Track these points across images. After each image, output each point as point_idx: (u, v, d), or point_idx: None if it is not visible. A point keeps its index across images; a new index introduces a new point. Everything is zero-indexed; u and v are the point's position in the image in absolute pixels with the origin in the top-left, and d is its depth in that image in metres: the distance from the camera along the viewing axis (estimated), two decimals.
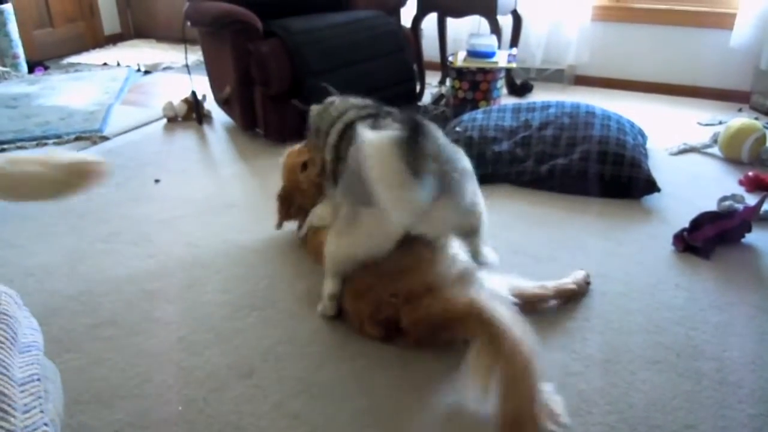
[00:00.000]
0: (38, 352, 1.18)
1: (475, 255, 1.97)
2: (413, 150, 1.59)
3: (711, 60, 4.21)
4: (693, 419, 1.58)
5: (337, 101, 2.25)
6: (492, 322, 1.56)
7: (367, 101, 2.21)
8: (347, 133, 2.06)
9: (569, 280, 2.06)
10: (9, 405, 0.98)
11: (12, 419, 0.97)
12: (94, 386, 1.73)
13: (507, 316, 1.58)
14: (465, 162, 1.88)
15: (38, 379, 1.10)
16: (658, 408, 1.61)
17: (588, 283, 2.11)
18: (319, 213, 2.29)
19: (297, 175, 2.37)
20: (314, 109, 2.31)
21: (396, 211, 1.65)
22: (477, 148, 2.96)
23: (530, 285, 1.98)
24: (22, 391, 1.04)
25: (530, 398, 1.45)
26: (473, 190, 1.88)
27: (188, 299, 2.11)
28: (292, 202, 2.41)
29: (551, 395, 1.57)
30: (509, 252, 2.33)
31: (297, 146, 2.46)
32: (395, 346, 1.84)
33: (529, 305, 1.90)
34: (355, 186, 1.76)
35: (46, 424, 1.03)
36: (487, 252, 2.03)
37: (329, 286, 1.96)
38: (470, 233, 1.94)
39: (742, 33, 3.91)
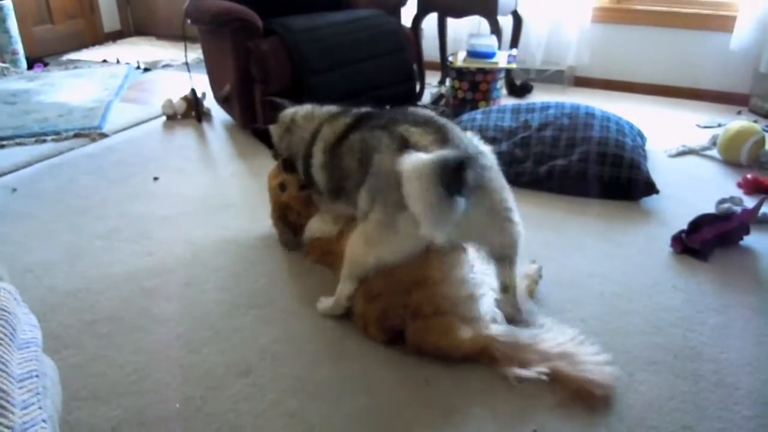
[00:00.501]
0: (37, 348, 1.18)
1: (506, 290, 1.90)
2: (453, 174, 1.57)
3: (710, 62, 4.21)
4: (690, 420, 1.58)
5: (299, 110, 2.31)
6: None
7: (332, 108, 2.24)
8: (320, 132, 2.11)
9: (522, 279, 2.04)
10: (7, 401, 0.98)
11: (10, 415, 0.97)
12: (92, 383, 1.73)
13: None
14: (493, 161, 1.87)
15: (37, 376, 1.10)
16: (656, 409, 1.62)
17: (540, 276, 2.12)
18: (316, 227, 2.28)
19: (280, 196, 2.36)
20: (279, 124, 2.35)
21: (432, 229, 1.61)
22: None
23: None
24: (21, 388, 1.04)
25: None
26: (504, 188, 1.85)
27: (187, 297, 2.11)
28: (287, 220, 2.39)
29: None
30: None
31: (273, 167, 2.45)
32: (393, 346, 1.85)
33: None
34: (390, 191, 1.72)
35: (44, 421, 1.03)
36: (526, 306, 1.95)
37: (348, 288, 1.92)
38: (504, 250, 1.86)
39: (742, 36, 3.92)
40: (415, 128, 1.82)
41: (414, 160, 1.59)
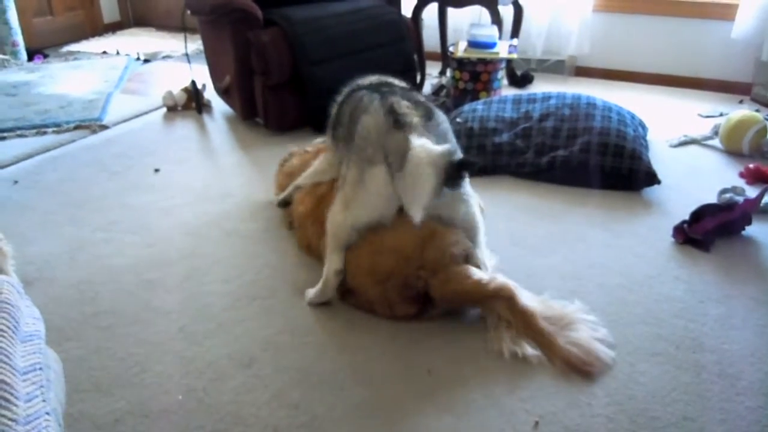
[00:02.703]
0: (40, 341, 1.18)
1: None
2: (455, 171, 1.77)
3: (712, 51, 4.20)
4: (692, 411, 1.58)
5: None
6: (522, 309, 1.79)
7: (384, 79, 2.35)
8: (351, 97, 2.17)
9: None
10: (11, 394, 0.99)
11: (14, 408, 0.97)
12: (94, 375, 1.73)
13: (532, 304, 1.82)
14: None
15: (40, 368, 1.10)
16: (657, 400, 1.62)
17: None
18: (308, 172, 2.36)
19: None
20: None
21: (418, 211, 1.74)
22: (477, 139, 2.96)
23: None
24: (24, 380, 1.04)
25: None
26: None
27: (188, 289, 2.12)
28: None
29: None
30: (509, 244, 2.33)
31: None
32: (395, 336, 1.85)
33: None
34: (366, 148, 1.88)
35: (47, 413, 1.04)
36: (487, 257, 2.06)
37: (335, 261, 1.95)
38: (466, 232, 1.98)
39: (743, 24, 3.90)
40: (406, 102, 1.95)
41: (427, 148, 1.75)
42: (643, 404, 1.61)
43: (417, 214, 1.74)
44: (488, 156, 2.91)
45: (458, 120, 3.10)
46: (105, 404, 1.63)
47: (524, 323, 1.78)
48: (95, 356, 1.81)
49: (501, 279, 1.86)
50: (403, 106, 1.92)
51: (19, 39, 5.06)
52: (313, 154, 2.51)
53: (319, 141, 2.65)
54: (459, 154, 1.85)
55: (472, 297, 1.85)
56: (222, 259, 2.29)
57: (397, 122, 1.85)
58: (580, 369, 1.70)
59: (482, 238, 2.03)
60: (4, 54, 4.92)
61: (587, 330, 1.81)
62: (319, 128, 3.01)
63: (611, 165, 2.76)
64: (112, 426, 1.57)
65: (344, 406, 1.62)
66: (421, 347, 1.82)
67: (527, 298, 1.84)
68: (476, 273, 1.85)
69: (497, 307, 1.82)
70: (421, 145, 1.76)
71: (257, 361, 1.78)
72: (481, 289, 1.82)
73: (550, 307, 1.87)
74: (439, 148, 1.77)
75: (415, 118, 1.88)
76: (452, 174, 1.76)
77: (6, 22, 4.90)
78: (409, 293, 1.86)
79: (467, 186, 1.96)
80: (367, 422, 1.57)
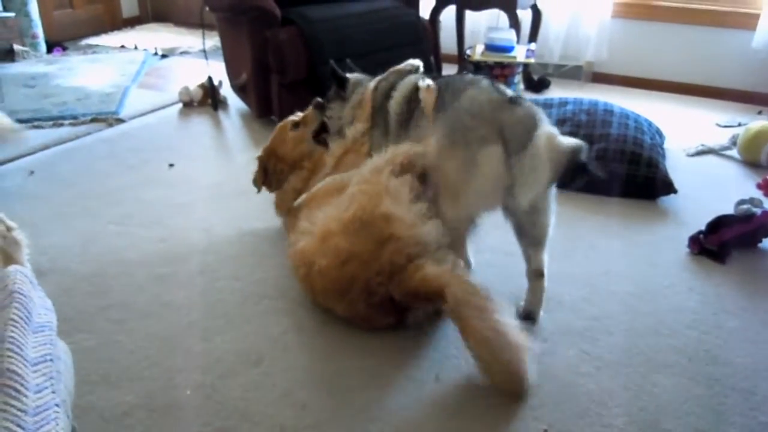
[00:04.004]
0: (51, 332, 1.18)
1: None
2: (576, 170, 1.69)
3: (732, 61, 4.16)
4: (704, 424, 1.56)
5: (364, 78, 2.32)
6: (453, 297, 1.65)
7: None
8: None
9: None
10: (21, 384, 0.99)
11: (24, 399, 0.97)
12: (104, 367, 1.73)
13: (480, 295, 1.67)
14: None
15: (51, 360, 1.10)
16: (669, 412, 1.60)
17: None
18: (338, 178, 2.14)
19: (285, 134, 2.36)
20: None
21: (524, 194, 1.70)
22: None
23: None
24: (35, 371, 1.04)
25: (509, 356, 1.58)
26: None
27: (199, 285, 2.12)
28: (269, 166, 2.39)
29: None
30: (519, 249, 2.31)
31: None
32: (404, 340, 1.84)
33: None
34: (475, 127, 1.75)
35: (57, 405, 1.04)
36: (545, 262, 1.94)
37: (464, 256, 1.93)
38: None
39: (764, 34, 3.86)
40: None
41: (558, 136, 1.69)
42: (655, 416, 1.59)
43: (524, 201, 1.68)
44: None
45: None
46: (113, 397, 1.63)
47: (454, 312, 1.66)
48: (105, 348, 1.82)
49: (447, 272, 1.72)
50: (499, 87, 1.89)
51: (39, 31, 5.10)
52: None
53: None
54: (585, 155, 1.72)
55: (422, 294, 1.74)
56: (234, 256, 2.29)
57: (513, 99, 1.78)
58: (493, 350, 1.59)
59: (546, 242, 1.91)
60: (24, 46, 4.96)
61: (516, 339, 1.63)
62: None
63: (627, 172, 2.73)
64: (120, 419, 1.57)
65: (352, 408, 1.61)
66: (429, 353, 1.81)
67: (466, 291, 1.68)
68: (428, 270, 1.73)
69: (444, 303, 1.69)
70: (552, 131, 1.70)
71: (266, 359, 1.77)
72: (426, 285, 1.71)
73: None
74: (572, 141, 1.69)
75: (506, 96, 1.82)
76: (572, 173, 1.67)
77: (27, 14, 4.94)
78: (375, 300, 1.78)
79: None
80: (373, 426, 1.56)
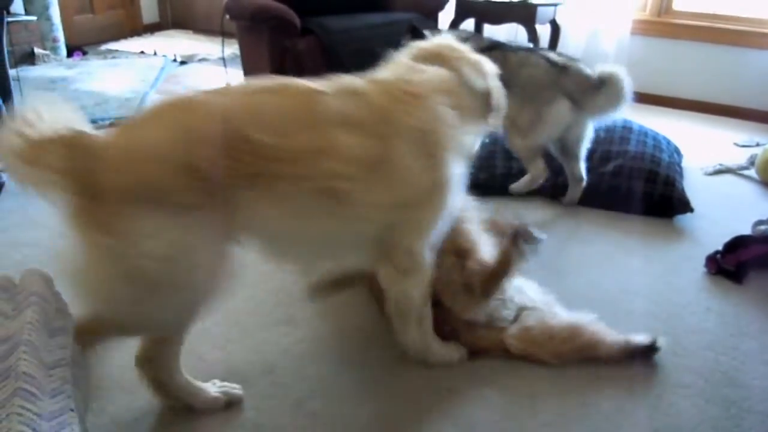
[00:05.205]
0: (68, 336, 1.18)
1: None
2: None
3: (752, 80, 4.13)
4: None
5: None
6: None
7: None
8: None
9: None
10: (37, 388, 0.99)
11: (40, 402, 0.97)
12: (116, 373, 1.73)
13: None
14: None
15: (67, 364, 1.11)
16: None
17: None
18: None
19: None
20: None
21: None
22: (508, 160, 2.92)
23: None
24: (51, 375, 1.04)
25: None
26: None
27: None
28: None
29: None
30: (535, 266, 2.29)
31: None
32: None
33: None
34: (541, 93, 2.56)
35: (72, 410, 1.04)
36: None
37: (539, 164, 2.68)
38: None
39: None
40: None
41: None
42: None
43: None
44: (519, 177, 2.87)
45: (487, 140, 3.06)
46: (125, 402, 1.63)
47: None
48: (118, 354, 1.81)
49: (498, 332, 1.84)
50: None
51: (60, 35, 5.16)
52: None
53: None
54: None
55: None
56: (247, 264, 2.28)
57: (564, 66, 2.62)
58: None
59: None
60: (45, 49, 5.02)
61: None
62: None
63: (644, 190, 2.71)
64: (131, 424, 1.57)
65: (364, 419, 1.60)
66: (442, 365, 1.79)
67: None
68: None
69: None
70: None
71: (278, 369, 1.77)
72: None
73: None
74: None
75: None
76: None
77: (48, 18, 5.01)
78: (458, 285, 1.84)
79: None
80: None
